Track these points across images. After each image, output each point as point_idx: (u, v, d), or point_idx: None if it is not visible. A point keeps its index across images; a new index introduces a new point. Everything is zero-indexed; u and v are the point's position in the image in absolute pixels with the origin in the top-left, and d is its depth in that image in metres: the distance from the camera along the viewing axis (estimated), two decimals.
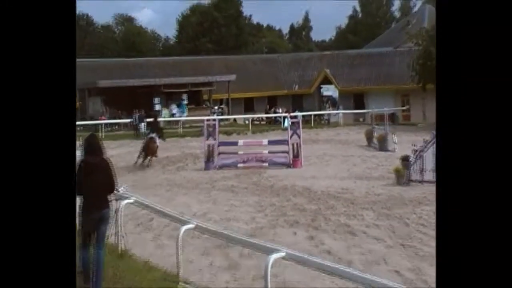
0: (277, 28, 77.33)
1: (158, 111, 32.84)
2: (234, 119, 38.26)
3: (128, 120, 30.81)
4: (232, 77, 38.27)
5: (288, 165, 17.78)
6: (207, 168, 17.71)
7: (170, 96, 35.74)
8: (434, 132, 13.36)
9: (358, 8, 71.17)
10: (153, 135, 19.02)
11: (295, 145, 18.03)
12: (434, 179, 13.27)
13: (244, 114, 40.38)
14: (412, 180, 13.60)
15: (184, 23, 60.45)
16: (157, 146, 19.03)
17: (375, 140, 23.31)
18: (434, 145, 13.24)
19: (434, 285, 4.39)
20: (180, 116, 35.05)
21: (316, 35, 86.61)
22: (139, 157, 18.77)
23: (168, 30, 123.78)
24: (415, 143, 15.17)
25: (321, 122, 40.09)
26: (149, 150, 18.74)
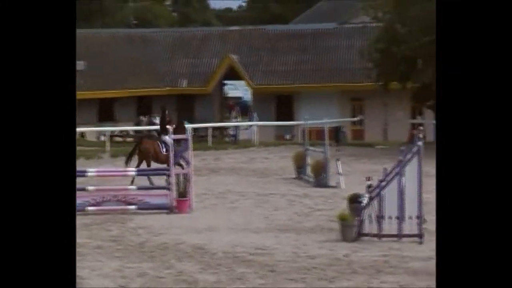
0: None
1: None
2: (82, 134, 37.76)
3: None
4: (79, 65, 37.79)
5: (170, 209, 17.73)
6: None
7: None
8: (401, 157, 13.87)
9: None
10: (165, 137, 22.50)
11: (181, 177, 18.03)
12: (398, 232, 13.73)
13: (99, 125, 39.97)
14: (365, 234, 13.98)
15: None
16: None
17: (309, 170, 23.79)
18: (400, 177, 13.73)
19: None
20: None
21: (218, 1, 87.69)
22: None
23: None
24: (371, 174, 15.60)
25: (224, 139, 40.47)
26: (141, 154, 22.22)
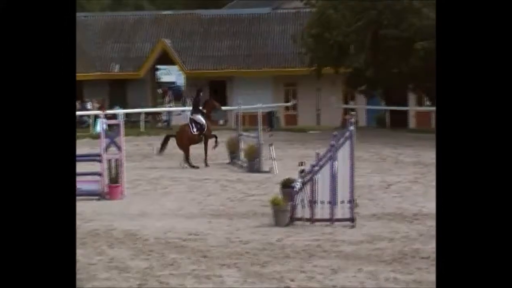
0: None
1: None
2: None
3: None
4: None
5: (101, 195, 17.55)
6: None
7: None
8: (333, 142, 13.94)
9: None
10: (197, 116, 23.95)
11: (113, 163, 17.86)
12: (331, 216, 13.82)
13: None
14: (298, 219, 14.04)
15: None
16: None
17: (242, 155, 23.81)
18: (332, 162, 13.80)
19: None
20: None
21: None
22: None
23: None
24: (304, 159, 15.67)
25: (157, 125, 40.24)
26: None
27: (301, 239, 12.85)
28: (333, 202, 13.88)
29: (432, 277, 10.27)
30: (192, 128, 23.80)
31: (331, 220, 13.88)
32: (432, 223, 14.04)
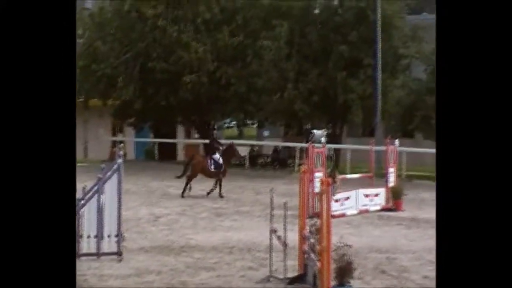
0: None
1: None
2: None
3: None
4: None
5: None
6: None
7: None
8: (100, 175, 13.81)
9: None
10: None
11: None
12: (97, 250, 13.65)
13: None
14: None
15: None
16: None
17: None
18: (99, 195, 13.65)
19: None
20: None
21: None
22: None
23: None
24: None
25: None
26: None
27: None
28: (99, 236, 13.71)
29: None
30: (210, 165, 24.33)
31: (98, 254, 13.69)
32: (199, 255, 14.27)
